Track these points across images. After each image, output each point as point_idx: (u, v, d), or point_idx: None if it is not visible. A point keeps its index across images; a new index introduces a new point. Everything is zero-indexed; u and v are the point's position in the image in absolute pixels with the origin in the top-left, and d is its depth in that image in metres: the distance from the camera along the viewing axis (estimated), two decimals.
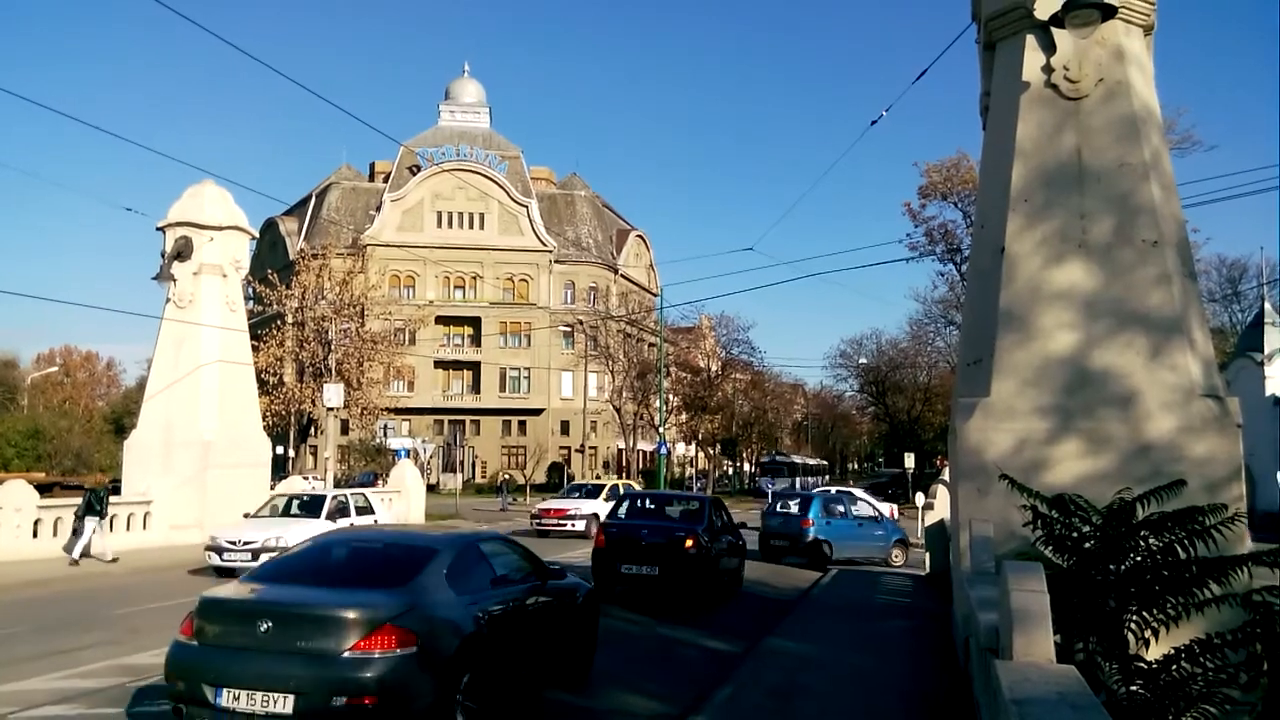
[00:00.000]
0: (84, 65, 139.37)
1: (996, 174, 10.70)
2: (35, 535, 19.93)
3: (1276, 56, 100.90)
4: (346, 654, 6.60)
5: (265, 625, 6.76)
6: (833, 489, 38.67)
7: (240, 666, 6.71)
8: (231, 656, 6.78)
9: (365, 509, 21.07)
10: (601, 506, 27.30)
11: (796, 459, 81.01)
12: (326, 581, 7.58)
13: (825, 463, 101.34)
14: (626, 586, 15.28)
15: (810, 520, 23.20)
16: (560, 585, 9.42)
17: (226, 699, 6.65)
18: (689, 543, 15.06)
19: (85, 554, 19.61)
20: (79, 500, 20.47)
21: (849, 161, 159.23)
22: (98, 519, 20.01)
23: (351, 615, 6.75)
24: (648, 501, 19.15)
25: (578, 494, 31.54)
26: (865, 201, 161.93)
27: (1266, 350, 40.98)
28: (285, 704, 6.52)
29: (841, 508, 24.61)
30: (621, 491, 26.52)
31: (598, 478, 56.87)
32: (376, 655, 6.61)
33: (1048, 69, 10.17)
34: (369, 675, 6.54)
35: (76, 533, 20.05)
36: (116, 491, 23.23)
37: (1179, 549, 6.25)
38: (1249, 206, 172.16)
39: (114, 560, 19.86)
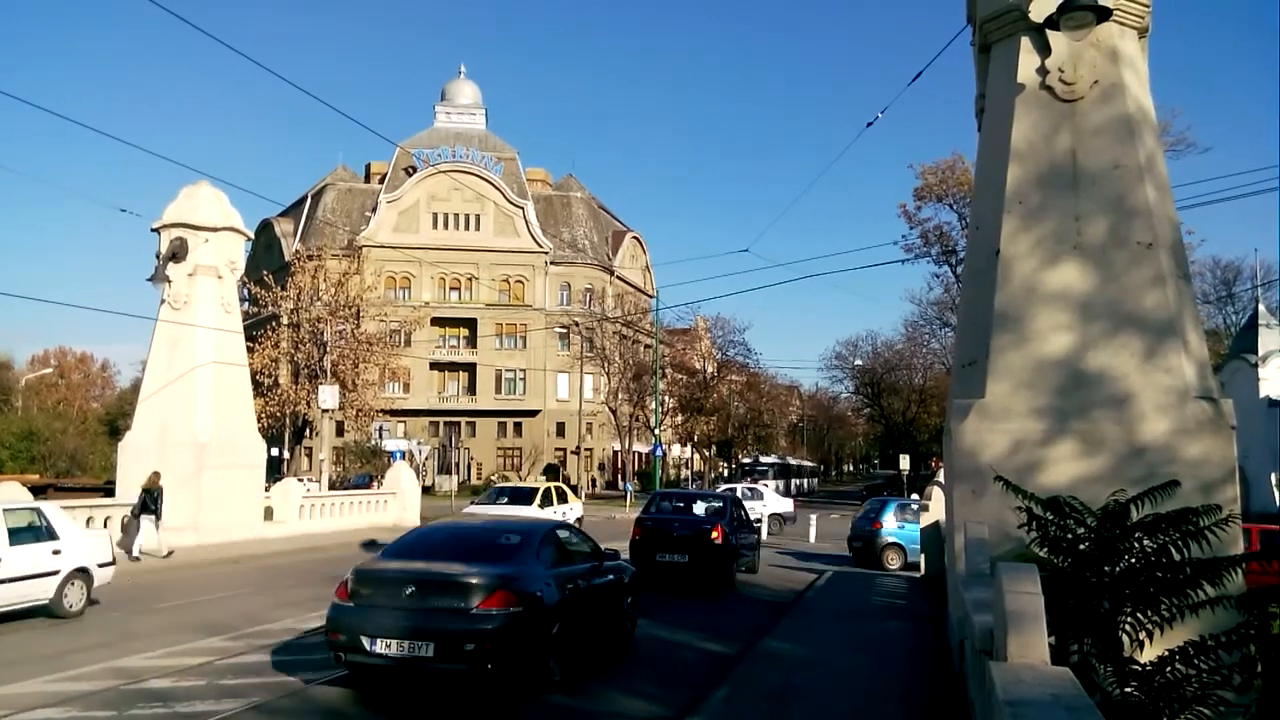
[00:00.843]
0: (79, 66, 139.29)
1: (991, 176, 10.71)
2: None
3: (1276, 60, 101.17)
4: (474, 610, 8.76)
5: (410, 589, 8.96)
6: (739, 486, 38.42)
7: (391, 621, 8.73)
8: (383, 613, 8.83)
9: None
10: (534, 513, 23.21)
11: (790, 460, 79.20)
12: (449, 557, 9.62)
13: (815, 464, 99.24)
14: (660, 573, 17.61)
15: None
16: (613, 565, 11.81)
17: (380, 647, 8.67)
18: (715, 534, 17.92)
19: (140, 551, 20.73)
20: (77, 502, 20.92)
21: (845, 163, 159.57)
22: (153, 517, 21.33)
23: (475, 582, 8.94)
24: (676, 500, 21.73)
25: (504, 499, 26.29)
26: (861, 203, 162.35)
27: (1260, 352, 41.06)
28: (428, 649, 8.59)
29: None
30: (554, 495, 27.26)
31: (528, 479, 57.39)
32: (495, 612, 8.76)
33: (1043, 71, 10.17)
34: (490, 627, 8.68)
35: (127, 530, 21.22)
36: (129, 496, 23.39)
37: (1173, 550, 6.25)
38: (1243, 209, 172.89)
39: (169, 554, 21.15)
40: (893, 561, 23.44)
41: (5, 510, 13.20)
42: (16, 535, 13.04)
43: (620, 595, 11.73)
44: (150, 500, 21.28)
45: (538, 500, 25.62)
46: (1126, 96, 10.00)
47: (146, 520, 21.08)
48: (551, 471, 68.36)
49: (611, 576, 11.50)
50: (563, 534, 11.18)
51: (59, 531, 13.78)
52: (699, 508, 20.09)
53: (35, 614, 13.13)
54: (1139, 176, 9.83)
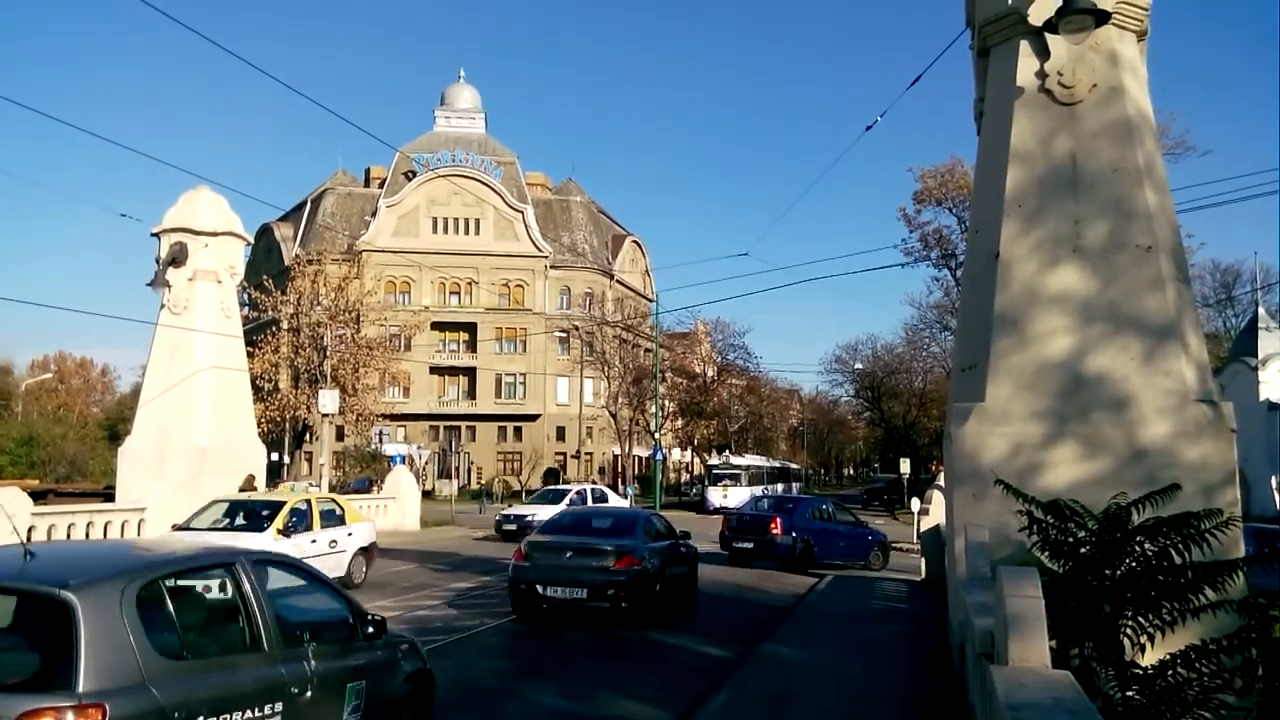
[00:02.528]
0: (79, 70, 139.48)
1: (991, 179, 10.72)
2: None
3: (1276, 63, 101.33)
4: (612, 568, 13.29)
5: (569, 553, 13.65)
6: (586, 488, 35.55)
7: (556, 575, 13.37)
8: (550, 570, 13.46)
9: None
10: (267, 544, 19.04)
11: (764, 462, 66.26)
12: (590, 533, 14.54)
13: (804, 466, 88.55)
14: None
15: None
16: (687, 543, 16.39)
17: (549, 591, 13.31)
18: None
19: None
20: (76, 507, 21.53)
21: (844, 166, 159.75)
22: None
23: (611, 549, 13.59)
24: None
25: (232, 519, 20.72)
26: (860, 207, 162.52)
27: (1260, 355, 41.07)
28: (581, 593, 13.15)
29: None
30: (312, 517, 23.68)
31: (566, 481, 58.07)
32: (625, 569, 13.29)
33: (1042, 74, 10.19)
34: (622, 579, 13.20)
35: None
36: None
37: (1174, 554, 6.24)
38: (1243, 212, 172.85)
39: None
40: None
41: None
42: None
43: (690, 565, 16.50)
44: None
45: (276, 525, 16.01)
46: (1126, 99, 10.01)
47: None
48: (551, 475, 68.36)
49: (685, 550, 16.20)
50: (656, 520, 16.21)
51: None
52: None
53: None
54: (1138, 179, 9.83)
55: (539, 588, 13.31)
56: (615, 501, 33.56)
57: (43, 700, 4.14)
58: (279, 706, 5.21)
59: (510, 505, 38.67)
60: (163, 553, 5.69)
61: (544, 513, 26.36)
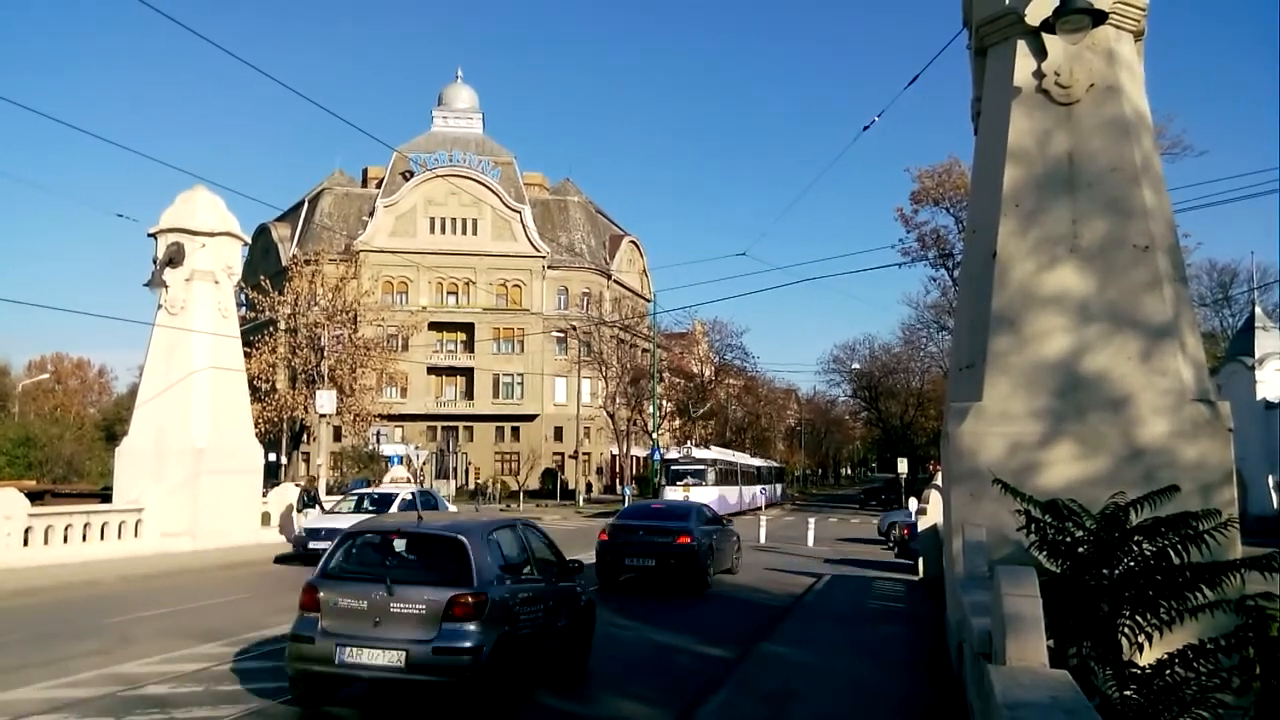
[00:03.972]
0: (75, 70, 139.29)
1: (988, 179, 10.72)
2: (26, 544, 19.81)
3: (1275, 63, 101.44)
4: (674, 543, 18.00)
5: (641, 532, 18.47)
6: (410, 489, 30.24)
7: (635, 549, 18.12)
8: (630, 545, 18.25)
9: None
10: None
11: (736, 457, 55.08)
12: (655, 518, 19.32)
13: (778, 465, 75.63)
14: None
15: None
16: (730, 527, 22.75)
17: (631, 561, 18.13)
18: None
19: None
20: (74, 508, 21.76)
21: (842, 166, 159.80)
22: (313, 509, 25.78)
23: (675, 528, 18.37)
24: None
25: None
26: (858, 206, 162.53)
27: (1257, 354, 41.10)
28: (651, 562, 17.95)
29: None
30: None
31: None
32: (683, 544, 18.02)
33: (1039, 74, 10.18)
34: (683, 552, 17.94)
35: (284, 524, 26.60)
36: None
37: (1172, 554, 6.25)
38: (1240, 212, 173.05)
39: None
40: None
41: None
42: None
43: (736, 540, 22.38)
44: (308, 498, 26.46)
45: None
46: (1123, 99, 10.01)
47: (310, 513, 25.48)
48: (549, 476, 68.32)
49: (726, 528, 21.77)
50: (707, 511, 21.55)
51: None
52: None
53: None
54: (1136, 179, 9.84)
55: (624, 559, 18.36)
56: (446, 508, 26.30)
57: (460, 590, 8.21)
58: (542, 604, 9.45)
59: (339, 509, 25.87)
60: (487, 518, 11.79)
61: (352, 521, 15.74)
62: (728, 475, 47.56)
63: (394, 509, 22.40)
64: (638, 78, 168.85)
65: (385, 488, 28.01)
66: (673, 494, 39.89)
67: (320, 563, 9.13)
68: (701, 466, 44.68)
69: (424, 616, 8.12)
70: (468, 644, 8.04)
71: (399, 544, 9.00)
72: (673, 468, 44.57)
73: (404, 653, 7.98)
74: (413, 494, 25.01)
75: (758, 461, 61.36)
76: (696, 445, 50.81)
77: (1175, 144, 39.19)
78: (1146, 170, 9.98)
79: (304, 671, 8.46)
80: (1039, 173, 10.15)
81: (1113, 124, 10.04)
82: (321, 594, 8.47)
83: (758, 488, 54.24)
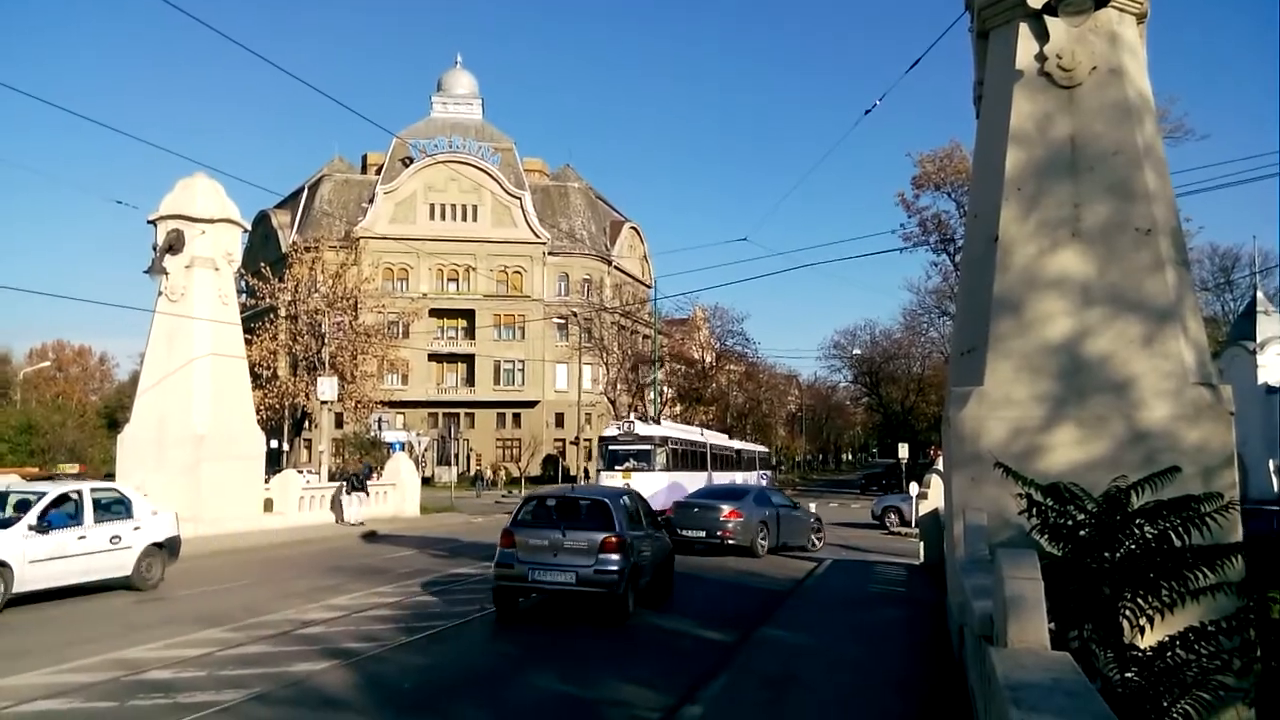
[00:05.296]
0: (73, 56, 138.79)
1: (990, 162, 10.69)
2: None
3: (1276, 47, 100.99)
4: (720, 519, 21.95)
5: (697, 509, 22.75)
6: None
7: (691, 522, 22.34)
8: (689, 520, 22.43)
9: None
10: None
11: (702, 436, 43.92)
12: (713, 498, 23.56)
13: (763, 450, 64.85)
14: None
15: None
16: (794, 502, 26.90)
17: (686, 534, 21.75)
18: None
19: (349, 520, 28.41)
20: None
21: (843, 152, 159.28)
22: (360, 493, 29.16)
23: (724, 507, 22.33)
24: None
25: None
26: (859, 191, 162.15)
27: (1259, 338, 41.03)
28: (703, 534, 21.95)
29: None
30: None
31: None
32: (731, 520, 21.90)
33: (1041, 57, 10.14)
34: (729, 527, 21.82)
35: (335, 505, 29.32)
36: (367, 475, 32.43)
37: (1174, 536, 6.25)
38: (1241, 195, 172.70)
39: (360, 524, 28.07)
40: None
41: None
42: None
43: (805, 517, 25.74)
44: (357, 480, 29.55)
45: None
46: (1125, 82, 9.98)
47: (356, 496, 29.05)
48: (551, 462, 68.36)
49: (788, 507, 25.02)
50: (771, 494, 25.94)
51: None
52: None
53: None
54: (1138, 161, 9.81)
55: (679, 531, 21.41)
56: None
57: (608, 533, 12.60)
58: (648, 546, 13.90)
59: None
60: (613, 486, 24.02)
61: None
62: (686, 458, 38.71)
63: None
64: (637, 64, 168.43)
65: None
66: (610, 480, 31.78)
67: (512, 516, 13.80)
68: (647, 446, 34.76)
69: (586, 550, 12.55)
70: (614, 568, 12.48)
71: (565, 505, 13.90)
72: (611, 447, 35.06)
73: (574, 574, 12.45)
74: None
75: (737, 444, 52.89)
76: (648, 421, 39.33)
77: (1177, 128, 39.02)
78: (1149, 153, 9.95)
79: (505, 586, 12.89)
80: (1041, 156, 10.12)
81: (1115, 107, 10.00)
82: (516, 536, 12.88)
83: (738, 475, 45.32)
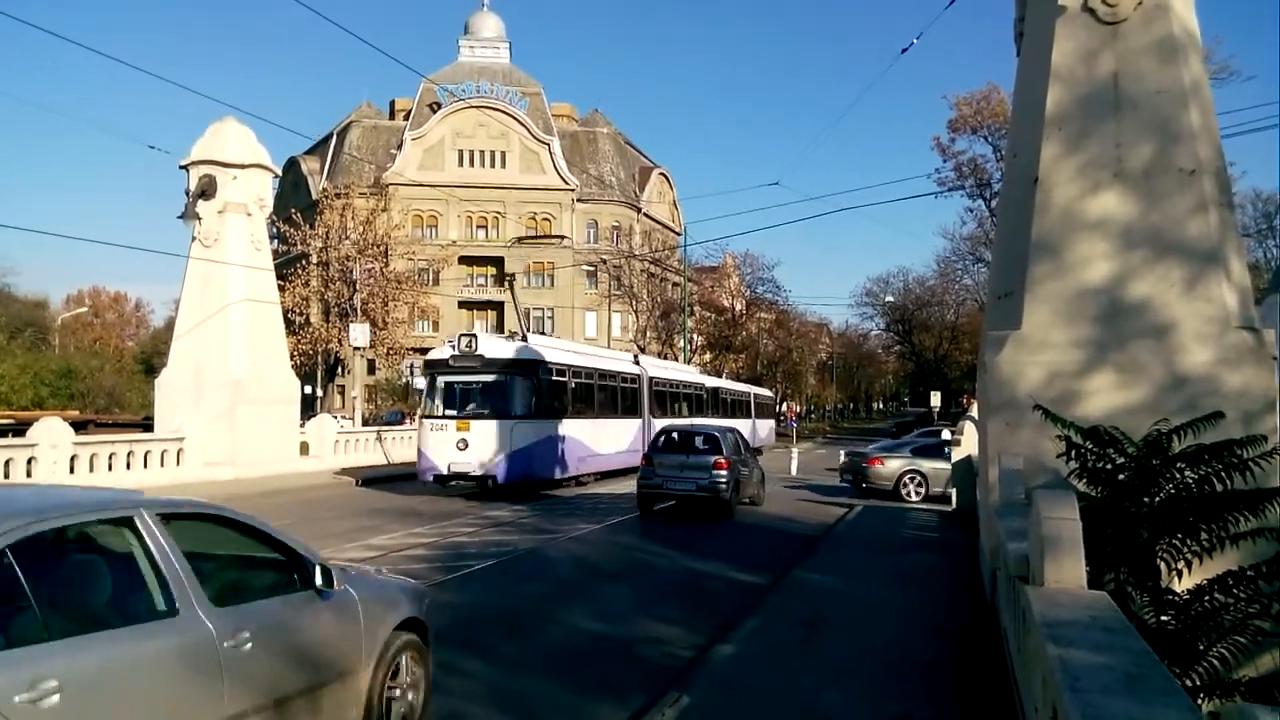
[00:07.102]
0: (103, 2, 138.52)
1: (1030, 101, 10.46)
2: (72, 471, 20.28)
3: None
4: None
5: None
6: None
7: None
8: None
9: None
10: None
11: (626, 362, 30.68)
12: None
13: (762, 392, 54.31)
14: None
15: None
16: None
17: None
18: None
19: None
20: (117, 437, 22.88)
21: (877, 93, 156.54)
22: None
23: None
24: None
25: None
26: (894, 135, 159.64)
27: None
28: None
29: None
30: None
31: None
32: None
33: None
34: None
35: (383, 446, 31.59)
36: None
37: (1215, 481, 6.19)
38: None
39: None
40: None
41: None
42: None
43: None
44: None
45: None
46: (1171, 18, 9.69)
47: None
48: None
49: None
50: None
51: None
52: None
53: None
54: (1183, 100, 9.56)
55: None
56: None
57: (719, 456, 18.65)
58: (746, 465, 20.54)
59: None
60: (721, 423, 28.82)
61: None
62: (590, 397, 26.11)
63: None
64: (666, 5, 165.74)
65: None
66: (438, 438, 21.64)
67: (649, 443, 21.21)
68: (500, 377, 22.29)
69: (704, 467, 18.38)
70: (723, 481, 18.22)
71: (687, 436, 19.80)
72: (441, 378, 22.66)
73: (695, 484, 18.28)
74: None
75: (709, 380, 40.47)
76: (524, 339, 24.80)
77: (1222, 69, 37.96)
78: (1195, 92, 9.69)
79: (646, 493, 18.71)
80: (1083, 94, 9.88)
81: (1160, 44, 9.72)
82: (654, 459, 18.90)
83: (714, 423, 27.86)
